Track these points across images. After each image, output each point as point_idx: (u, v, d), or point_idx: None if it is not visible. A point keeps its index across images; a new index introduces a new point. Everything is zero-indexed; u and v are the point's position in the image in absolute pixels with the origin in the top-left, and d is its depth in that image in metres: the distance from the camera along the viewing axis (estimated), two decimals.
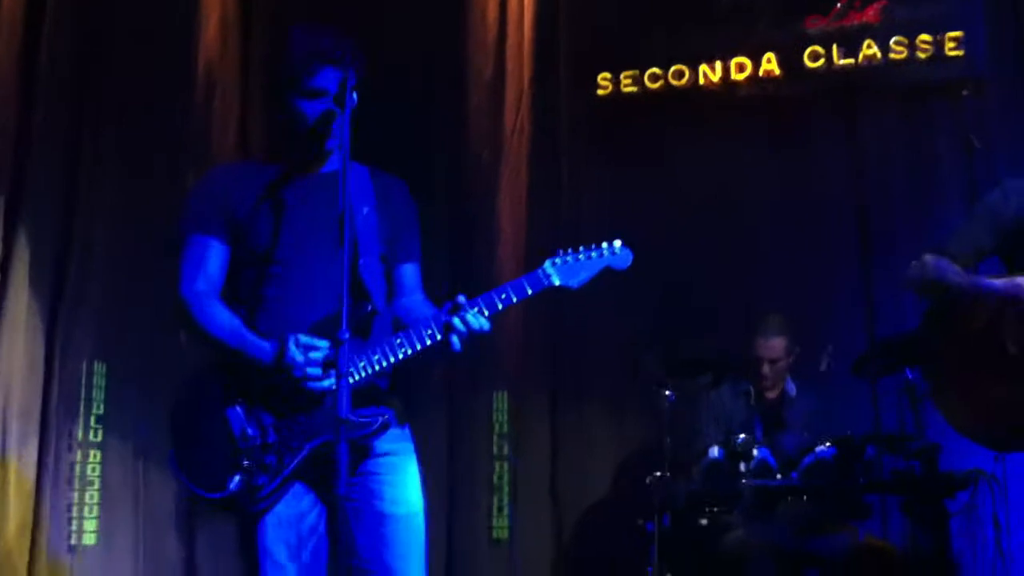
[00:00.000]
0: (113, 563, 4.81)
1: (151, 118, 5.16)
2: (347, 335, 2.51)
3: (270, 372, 2.78)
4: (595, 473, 5.58)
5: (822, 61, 5.56)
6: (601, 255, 2.98)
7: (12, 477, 4.47)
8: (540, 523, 5.53)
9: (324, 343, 2.76)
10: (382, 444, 2.90)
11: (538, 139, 5.80)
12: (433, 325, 2.81)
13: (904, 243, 5.01)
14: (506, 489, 5.54)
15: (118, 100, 5.08)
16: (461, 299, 2.82)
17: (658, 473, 4.68)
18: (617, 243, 3.00)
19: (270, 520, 2.79)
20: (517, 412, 5.58)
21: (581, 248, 2.95)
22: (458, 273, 5.47)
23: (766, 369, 4.95)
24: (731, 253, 5.54)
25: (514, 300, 2.85)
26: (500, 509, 5.52)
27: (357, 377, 2.79)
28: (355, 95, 2.86)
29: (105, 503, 4.80)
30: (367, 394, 2.85)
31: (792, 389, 5.05)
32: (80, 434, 4.77)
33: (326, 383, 2.76)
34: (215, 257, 2.95)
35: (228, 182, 3.02)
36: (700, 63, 5.72)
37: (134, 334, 4.87)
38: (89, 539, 4.76)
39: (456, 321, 2.78)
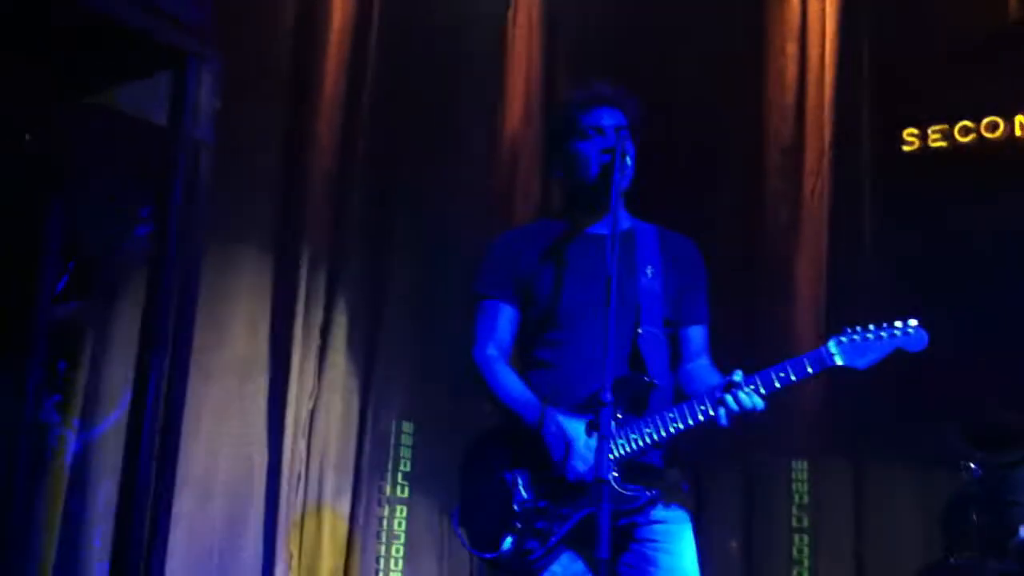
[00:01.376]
0: None
1: (457, 190, 5.48)
2: (610, 398, 2.50)
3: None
4: (902, 548, 5.26)
5: None
6: (893, 335, 2.80)
7: (327, 526, 4.76)
8: None
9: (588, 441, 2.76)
10: (657, 512, 2.89)
11: (839, 200, 5.64)
12: (707, 401, 2.77)
13: None
14: (807, 564, 5.34)
15: (423, 170, 5.39)
16: (737, 376, 2.77)
17: (965, 552, 4.38)
18: (913, 323, 2.80)
19: None
20: (818, 482, 5.39)
21: (871, 327, 2.79)
22: (755, 338, 5.38)
23: None
24: None
25: (794, 379, 2.76)
26: None
27: (625, 450, 2.80)
28: (632, 141, 2.91)
29: (409, 558, 5.02)
30: (640, 469, 2.84)
31: None
32: (388, 489, 5.03)
33: (583, 471, 2.78)
34: (505, 321, 3.04)
35: (518, 244, 3.10)
36: (1016, 113, 5.38)
37: (441, 394, 5.11)
38: None
39: (729, 399, 2.74)
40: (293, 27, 4.96)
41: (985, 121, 5.46)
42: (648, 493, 2.82)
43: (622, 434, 2.80)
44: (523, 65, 5.76)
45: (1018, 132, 5.41)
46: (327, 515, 4.79)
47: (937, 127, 5.57)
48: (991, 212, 5.37)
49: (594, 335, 2.83)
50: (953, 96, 5.56)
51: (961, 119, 5.51)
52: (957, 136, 5.53)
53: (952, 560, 4.43)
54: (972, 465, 4.48)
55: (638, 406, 2.86)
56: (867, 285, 5.47)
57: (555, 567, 2.85)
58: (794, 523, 5.38)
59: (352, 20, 5.16)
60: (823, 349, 2.78)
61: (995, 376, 5.14)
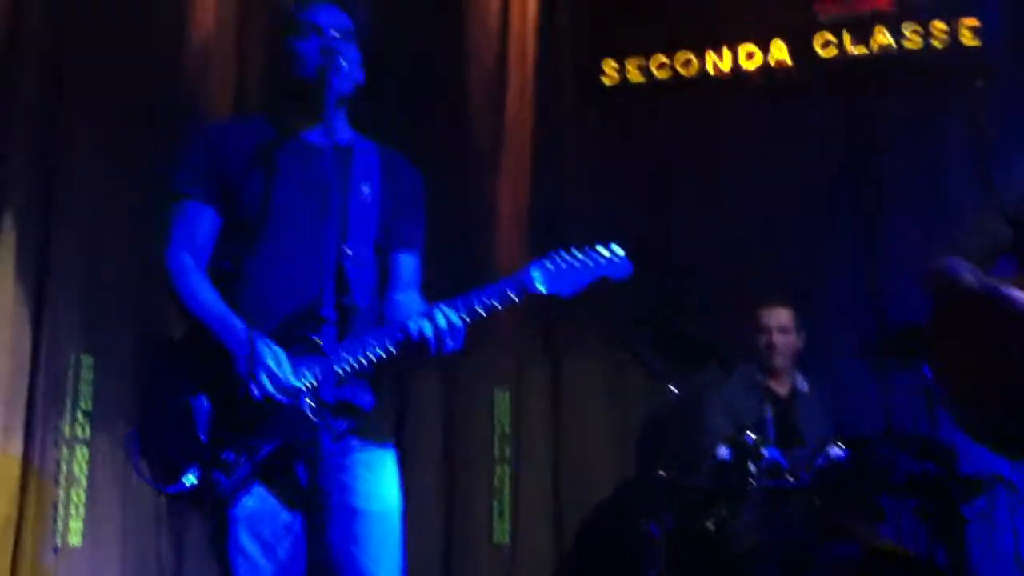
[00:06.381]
0: (98, 563, 4.63)
1: (140, 87, 4.99)
2: (328, 333, 2.41)
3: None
4: (599, 473, 5.43)
5: (833, 48, 5.42)
6: (598, 263, 2.68)
7: None
8: (541, 526, 5.37)
9: (284, 361, 2.57)
10: (357, 444, 2.74)
11: (541, 127, 5.67)
12: (407, 325, 2.60)
13: (914, 233, 4.91)
14: (507, 492, 5.37)
15: (103, 72, 4.90)
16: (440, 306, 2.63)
17: (663, 472, 4.54)
18: (619, 251, 2.71)
19: (242, 516, 2.61)
20: (519, 412, 5.42)
21: (576, 253, 2.67)
22: (457, 261, 5.29)
23: (776, 338, 4.85)
24: (736, 243, 5.44)
25: (498, 307, 2.62)
26: (501, 513, 5.35)
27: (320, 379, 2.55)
28: (356, 46, 2.74)
29: (91, 501, 4.62)
30: (340, 407, 2.67)
31: (803, 384, 4.96)
32: (67, 429, 4.60)
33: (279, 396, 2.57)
34: (205, 225, 2.75)
35: (222, 140, 2.80)
36: (708, 50, 5.59)
37: (121, 327, 4.70)
38: (74, 539, 4.56)
39: (426, 323, 2.58)
40: None
41: (680, 57, 5.64)
42: (344, 424, 2.68)
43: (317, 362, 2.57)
44: None
45: (708, 68, 5.60)
46: None
47: (634, 61, 5.70)
48: (684, 142, 5.61)
49: (302, 250, 2.63)
50: (650, 31, 5.72)
51: (657, 54, 5.65)
52: (653, 70, 5.67)
53: (652, 480, 4.57)
54: (671, 387, 4.61)
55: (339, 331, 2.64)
56: (569, 210, 5.57)
57: (247, 500, 2.63)
58: (496, 454, 5.39)
59: None
60: (525, 275, 2.64)
61: (690, 299, 5.39)
